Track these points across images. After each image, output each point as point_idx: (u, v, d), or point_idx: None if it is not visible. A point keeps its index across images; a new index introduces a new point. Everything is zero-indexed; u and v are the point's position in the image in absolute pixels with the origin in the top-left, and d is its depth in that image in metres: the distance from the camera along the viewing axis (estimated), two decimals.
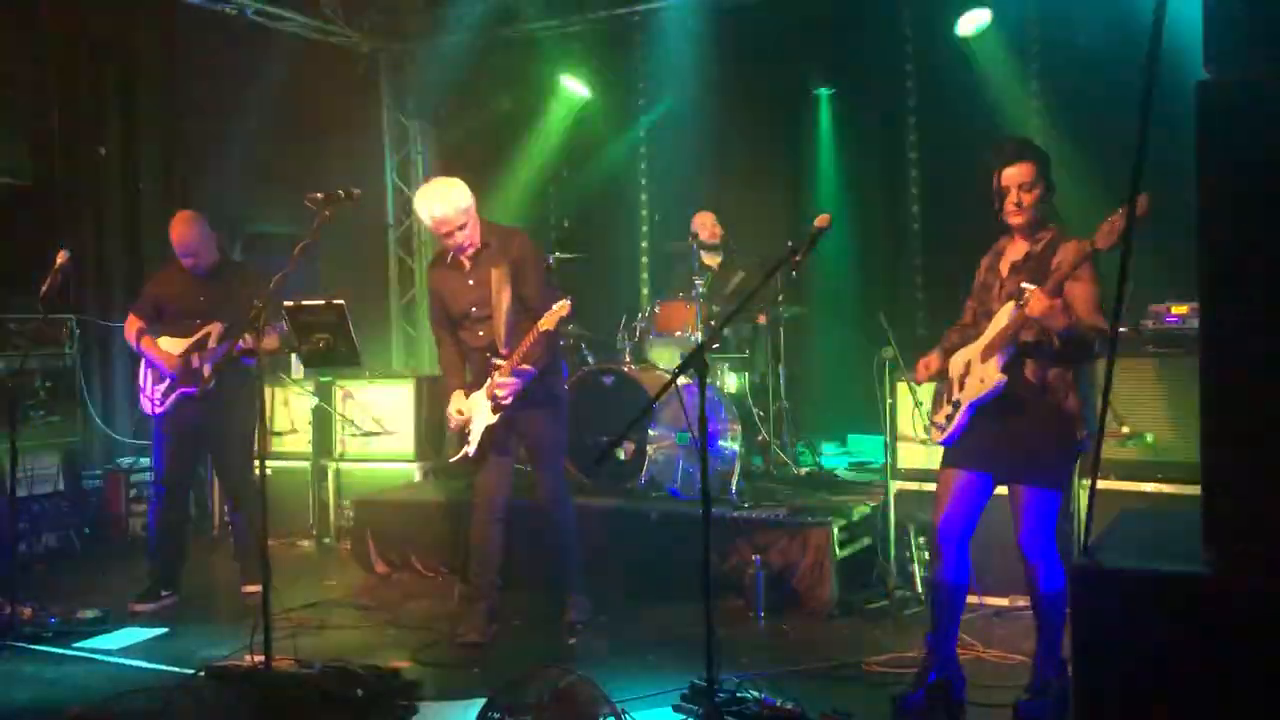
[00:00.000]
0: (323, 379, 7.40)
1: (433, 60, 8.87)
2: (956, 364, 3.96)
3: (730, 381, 6.72)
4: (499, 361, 4.82)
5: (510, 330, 4.84)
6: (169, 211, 5.89)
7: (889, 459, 5.64)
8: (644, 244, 9.04)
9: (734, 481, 5.96)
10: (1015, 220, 3.85)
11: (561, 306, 4.64)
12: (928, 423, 4.26)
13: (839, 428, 8.20)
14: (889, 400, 5.57)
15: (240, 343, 5.35)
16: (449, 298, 4.97)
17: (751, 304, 4.11)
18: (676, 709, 3.98)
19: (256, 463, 4.48)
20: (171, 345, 5.77)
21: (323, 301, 5.42)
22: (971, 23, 7.35)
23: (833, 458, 7.75)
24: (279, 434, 7.39)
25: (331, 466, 7.39)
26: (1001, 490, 3.92)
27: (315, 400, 7.27)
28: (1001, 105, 7.33)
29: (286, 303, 5.38)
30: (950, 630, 3.97)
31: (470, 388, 4.99)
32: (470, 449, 4.98)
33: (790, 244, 3.81)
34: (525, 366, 4.79)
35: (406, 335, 9.74)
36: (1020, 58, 7.42)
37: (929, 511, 5.22)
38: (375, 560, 6.54)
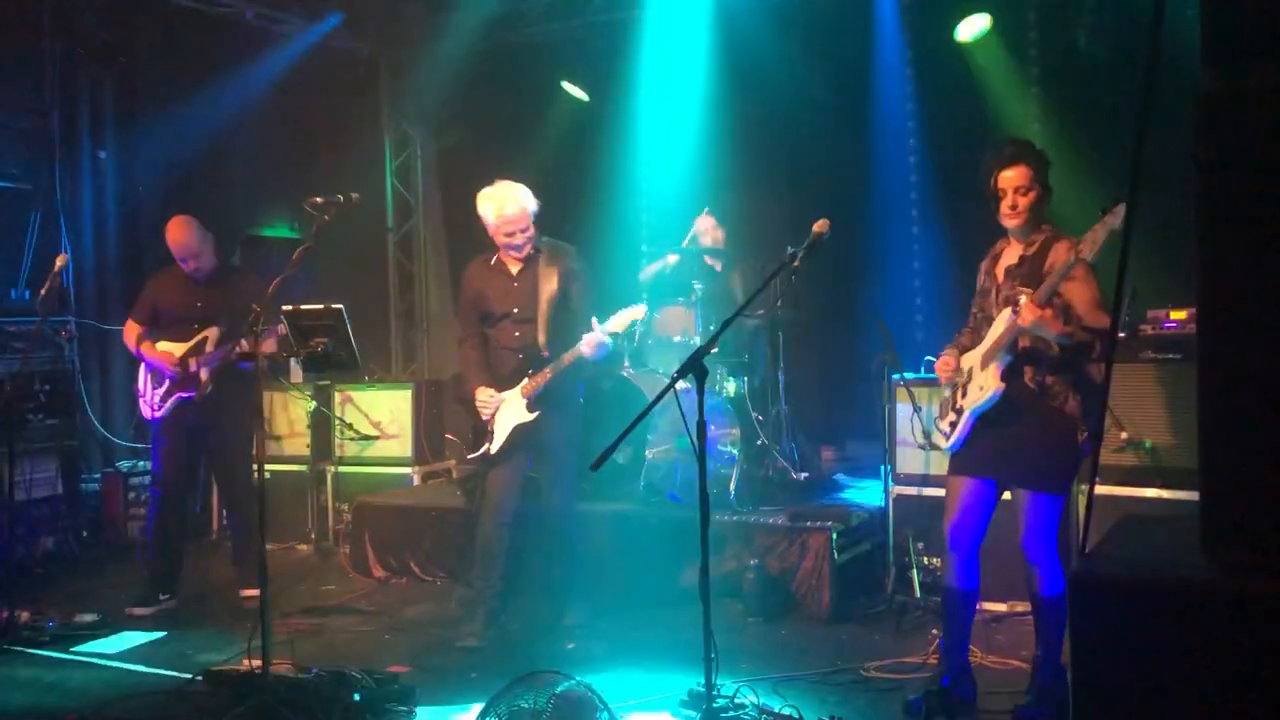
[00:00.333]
0: (321, 383, 7.40)
1: (433, 65, 8.87)
2: (961, 370, 3.97)
3: (729, 386, 6.71)
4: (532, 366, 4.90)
5: (551, 334, 4.95)
6: (168, 215, 5.89)
7: (887, 464, 5.63)
8: (644, 248, 9.03)
9: (733, 486, 5.95)
10: (1011, 223, 3.85)
11: (637, 310, 4.78)
12: (933, 430, 4.26)
13: (838, 432, 8.20)
14: (887, 405, 5.57)
15: (238, 347, 5.35)
16: (491, 297, 5.06)
17: (751, 308, 4.09)
18: (675, 715, 3.97)
19: (255, 467, 4.48)
20: (170, 350, 5.77)
21: (322, 306, 5.42)
22: (971, 28, 7.36)
23: (832, 462, 7.74)
24: (277, 438, 7.39)
25: (330, 470, 7.38)
26: (1005, 495, 3.92)
27: (314, 404, 7.27)
28: (1001, 111, 7.34)
29: (285, 307, 5.38)
30: (962, 636, 3.99)
31: (497, 387, 5.01)
32: (493, 446, 5.00)
33: (790, 248, 3.81)
34: (564, 365, 4.88)
35: (405, 339, 9.74)
36: (1020, 63, 7.43)
37: (927, 516, 5.24)
38: (373, 564, 6.53)
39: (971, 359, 3.92)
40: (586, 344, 4.81)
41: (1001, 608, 5.14)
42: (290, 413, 7.45)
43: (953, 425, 3.94)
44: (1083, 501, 4.86)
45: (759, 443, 6.69)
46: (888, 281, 8.19)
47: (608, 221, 8.55)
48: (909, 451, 5.58)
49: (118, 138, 8.00)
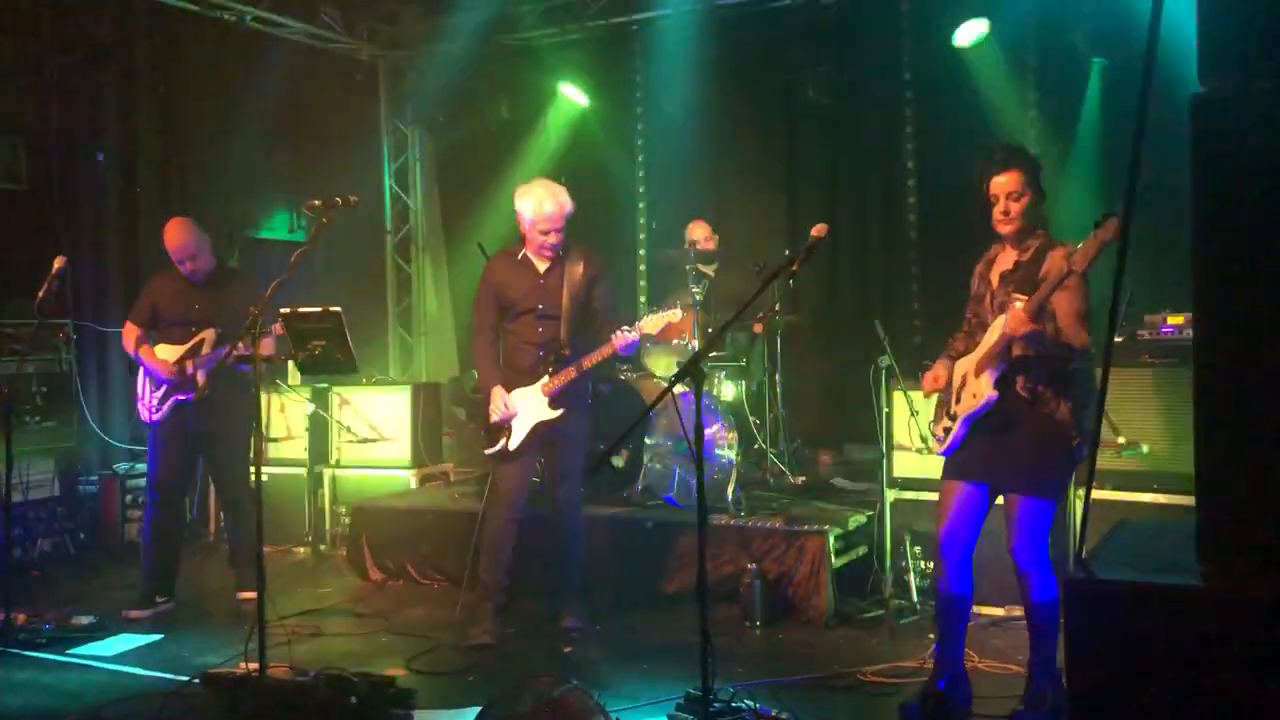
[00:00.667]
0: (319, 385, 7.40)
1: (431, 68, 8.89)
2: (955, 375, 3.98)
3: (727, 390, 6.72)
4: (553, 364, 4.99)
5: (574, 333, 5.03)
6: (167, 217, 5.89)
7: (885, 468, 5.64)
8: (641, 252, 9.05)
9: (730, 490, 5.95)
10: (1004, 229, 3.86)
11: (673, 313, 4.86)
12: (928, 434, 4.27)
13: (835, 436, 8.20)
14: (885, 409, 5.57)
15: (235, 349, 5.34)
16: (515, 291, 5.10)
17: (748, 312, 4.11)
18: (671, 718, 3.97)
19: (252, 469, 4.48)
20: (168, 353, 5.77)
21: (320, 308, 5.42)
22: (969, 33, 7.38)
23: (829, 466, 7.74)
24: (275, 440, 7.39)
25: (327, 473, 7.38)
26: (999, 500, 3.92)
27: (311, 407, 7.27)
28: (999, 115, 7.35)
29: (283, 309, 5.38)
30: (956, 641, 3.99)
31: (513, 381, 5.04)
32: (512, 443, 5.02)
33: (788, 252, 3.82)
34: (587, 365, 4.97)
35: (403, 342, 9.74)
36: (1018, 68, 7.44)
37: (925, 520, 5.24)
38: (371, 567, 6.53)
39: (965, 365, 3.93)
40: (618, 340, 4.87)
41: (998, 612, 5.15)
42: (288, 415, 7.44)
43: (946, 431, 3.95)
44: (1078, 506, 4.88)
45: (756, 446, 6.70)
46: (885, 285, 8.20)
47: (605, 225, 8.55)
48: (906, 455, 5.58)
49: (116, 139, 8.00)
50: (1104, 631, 2.30)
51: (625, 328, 4.86)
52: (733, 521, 5.71)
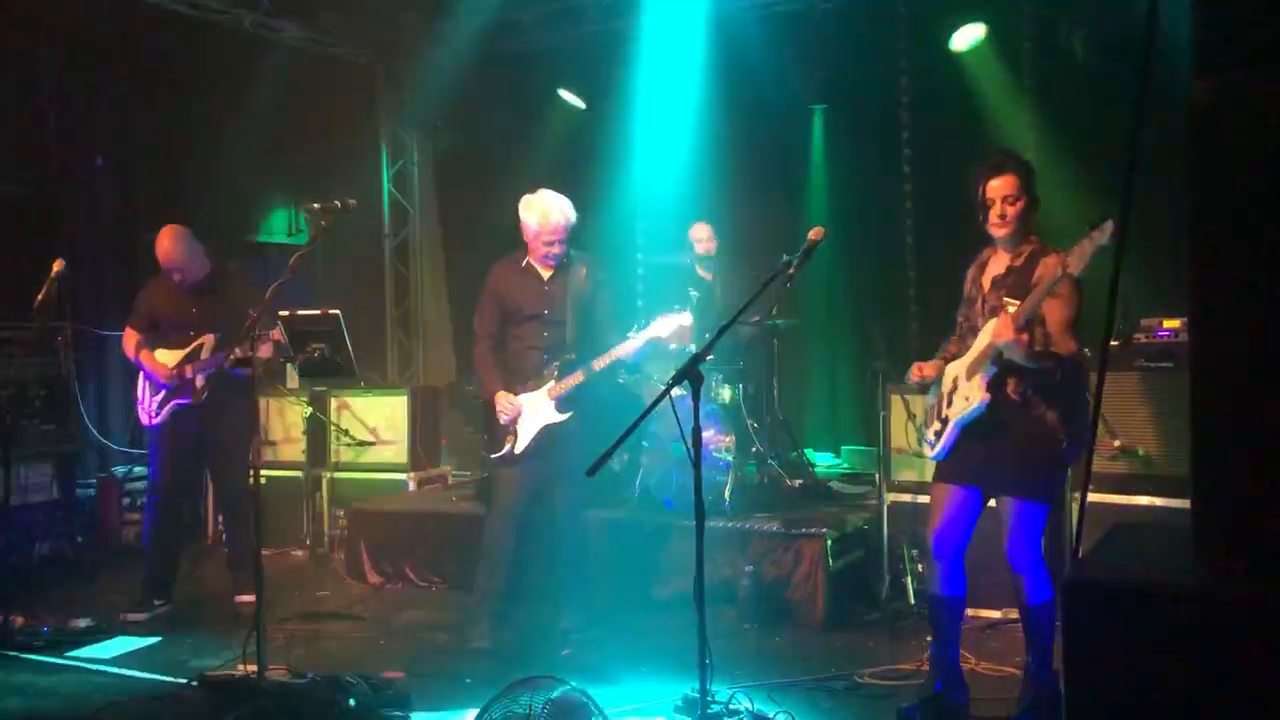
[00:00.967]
0: (318, 389, 7.40)
1: (430, 72, 8.89)
2: (947, 378, 3.99)
3: (724, 393, 6.72)
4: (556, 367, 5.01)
5: (579, 339, 5.06)
6: (166, 221, 5.90)
7: (882, 471, 5.65)
8: (639, 255, 9.05)
9: (728, 493, 5.96)
10: (999, 233, 3.87)
11: (682, 316, 4.90)
12: (920, 437, 4.28)
13: (833, 439, 8.21)
14: (883, 412, 5.58)
15: (234, 353, 5.35)
16: (520, 298, 5.13)
17: (746, 316, 4.11)
18: None
19: (251, 472, 4.48)
20: (167, 357, 5.78)
21: (319, 311, 5.43)
22: (966, 38, 7.39)
23: (826, 469, 7.75)
24: (273, 443, 7.39)
25: (326, 476, 7.38)
26: (992, 503, 3.93)
27: (310, 410, 7.27)
28: (995, 120, 7.37)
29: (282, 312, 5.39)
30: (951, 642, 3.99)
31: (518, 385, 5.06)
32: (518, 447, 5.03)
33: (785, 256, 3.83)
34: (598, 367, 4.99)
35: (402, 345, 9.75)
36: (1014, 73, 7.46)
37: (922, 523, 5.25)
38: (368, 570, 6.53)
39: (957, 368, 3.94)
40: (628, 346, 4.90)
41: (995, 614, 5.16)
42: (286, 418, 7.45)
43: (938, 434, 3.96)
44: (1074, 509, 4.89)
45: (754, 449, 6.70)
46: (882, 289, 8.21)
47: (603, 229, 8.56)
48: (903, 458, 5.60)
49: (116, 143, 8.01)
50: (1100, 632, 2.31)
51: (635, 330, 4.89)
52: (730, 525, 5.71)
